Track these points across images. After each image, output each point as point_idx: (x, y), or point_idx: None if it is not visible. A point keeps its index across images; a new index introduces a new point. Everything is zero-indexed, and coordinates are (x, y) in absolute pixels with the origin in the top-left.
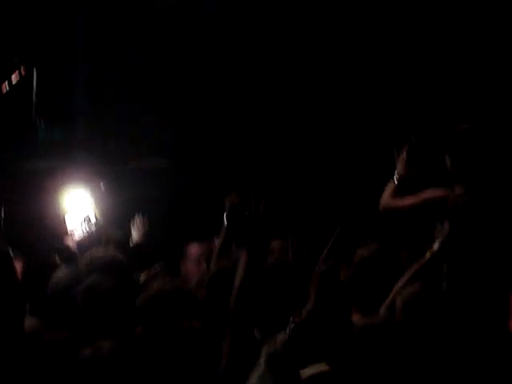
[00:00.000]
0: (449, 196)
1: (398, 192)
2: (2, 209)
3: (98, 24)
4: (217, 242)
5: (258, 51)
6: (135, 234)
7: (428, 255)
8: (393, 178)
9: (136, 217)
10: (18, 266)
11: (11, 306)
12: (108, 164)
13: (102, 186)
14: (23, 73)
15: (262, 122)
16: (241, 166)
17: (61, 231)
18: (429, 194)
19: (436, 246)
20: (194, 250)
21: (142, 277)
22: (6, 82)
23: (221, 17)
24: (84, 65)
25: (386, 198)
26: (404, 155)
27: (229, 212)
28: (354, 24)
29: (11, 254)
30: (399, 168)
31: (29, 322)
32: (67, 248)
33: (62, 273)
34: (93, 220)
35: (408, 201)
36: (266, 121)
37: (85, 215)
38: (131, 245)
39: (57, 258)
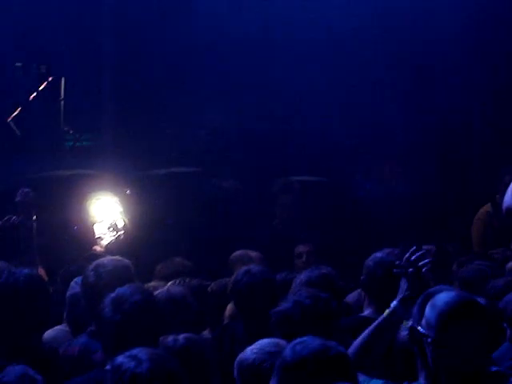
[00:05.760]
0: None
1: None
2: (35, 218)
3: (124, 35)
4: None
5: None
6: None
7: (387, 312)
8: None
9: None
10: (43, 273)
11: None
12: (136, 170)
13: (129, 192)
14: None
15: None
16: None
17: (89, 238)
18: None
19: (395, 303)
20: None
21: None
22: (35, 93)
23: None
24: (111, 74)
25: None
26: None
27: None
28: None
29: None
30: None
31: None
32: (96, 255)
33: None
34: (120, 226)
35: None
36: None
37: (112, 221)
38: None
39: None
